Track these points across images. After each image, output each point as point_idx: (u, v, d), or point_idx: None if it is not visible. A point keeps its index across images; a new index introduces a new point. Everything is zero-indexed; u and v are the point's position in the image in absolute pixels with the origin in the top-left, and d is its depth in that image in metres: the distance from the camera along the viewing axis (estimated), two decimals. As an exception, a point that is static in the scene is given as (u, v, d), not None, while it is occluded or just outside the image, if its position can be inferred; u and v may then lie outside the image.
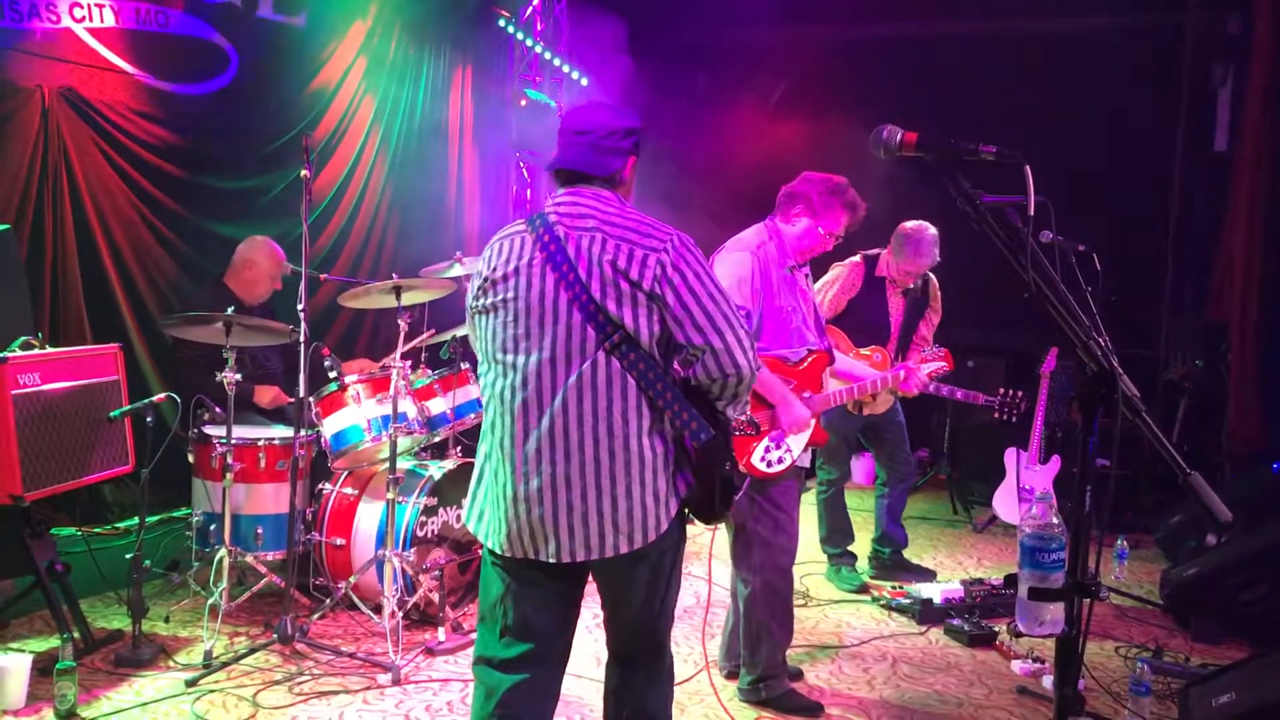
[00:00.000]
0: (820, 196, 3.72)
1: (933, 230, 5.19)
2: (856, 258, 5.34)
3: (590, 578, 2.64)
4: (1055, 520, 2.04)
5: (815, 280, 4.93)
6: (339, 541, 4.48)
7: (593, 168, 2.55)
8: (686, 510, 2.58)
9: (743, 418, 3.57)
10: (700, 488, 2.51)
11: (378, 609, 4.22)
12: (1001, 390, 4.93)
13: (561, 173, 2.59)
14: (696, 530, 6.33)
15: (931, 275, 5.43)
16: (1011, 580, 2.07)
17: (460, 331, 4.80)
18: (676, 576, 2.63)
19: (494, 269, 2.54)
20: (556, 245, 2.45)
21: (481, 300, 2.56)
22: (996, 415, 4.94)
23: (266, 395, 4.99)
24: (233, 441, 4.15)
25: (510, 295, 2.49)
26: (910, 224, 5.22)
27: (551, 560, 2.48)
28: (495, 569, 2.60)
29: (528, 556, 2.50)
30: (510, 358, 2.50)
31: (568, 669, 2.71)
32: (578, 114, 2.65)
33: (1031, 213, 2.02)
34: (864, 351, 5.12)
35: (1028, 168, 2.03)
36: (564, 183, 2.59)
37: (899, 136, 2.15)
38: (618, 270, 2.40)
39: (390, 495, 4.15)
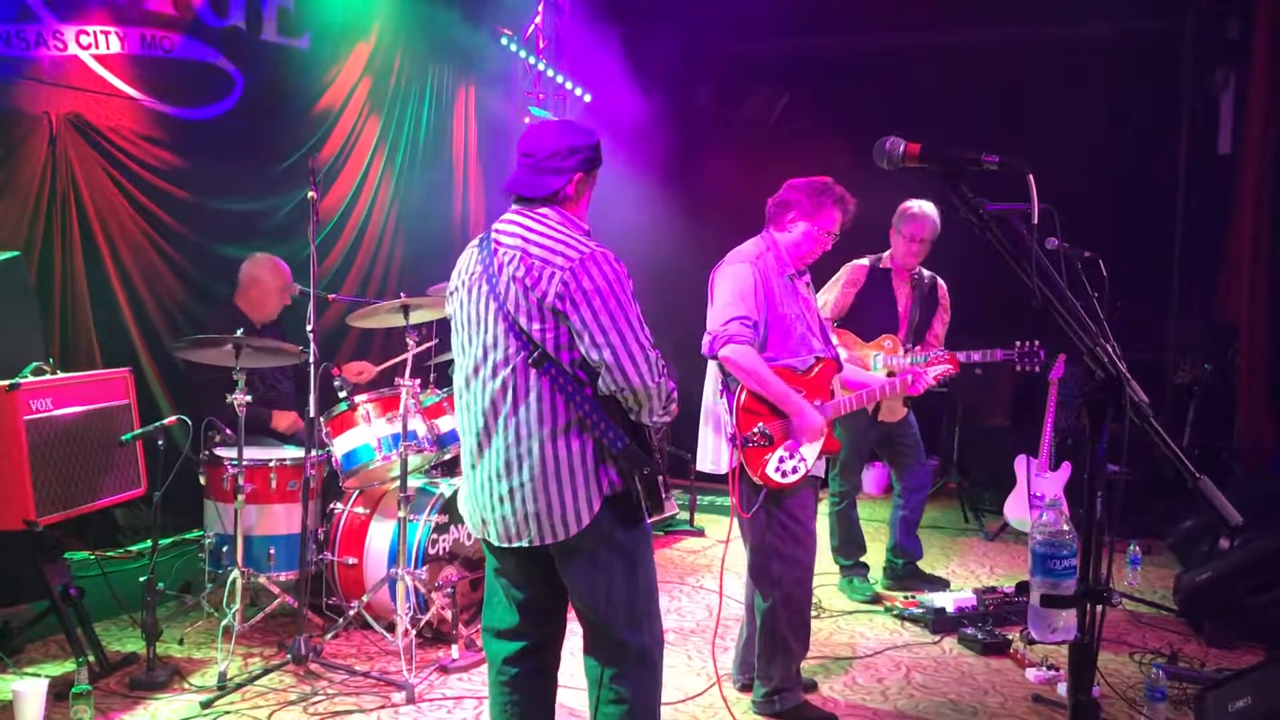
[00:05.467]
0: (810, 198, 3.77)
1: (932, 206, 5.20)
2: (862, 260, 5.35)
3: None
4: (1066, 527, 2.04)
5: (818, 288, 4.95)
6: (351, 561, 4.49)
7: (532, 189, 2.71)
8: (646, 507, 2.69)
9: (755, 430, 3.58)
10: (626, 488, 2.64)
11: (391, 627, 4.22)
12: (1019, 343, 4.90)
13: (512, 194, 2.77)
14: (707, 543, 6.42)
15: (939, 278, 5.45)
16: (1024, 588, 2.08)
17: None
18: (625, 575, 2.69)
19: (452, 281, 2.82)
20: (490, 261, 2.67)
21: (448, 309, 2.85)
22: (1018, 368, 4.91)
23: (284, 421, 5.01)
24: (244, 463, 4.17)
25: (457, 305, 2.77)
26: (911, 200, 5.28)
27: (495, 543, 2.71)
28: (485, 545, 2.83)
29: (485, 537, 2.75)
30: (461, 360, 2.77)
31: (573, 684, 2.71)
32: (527, 136, 2.79)
33: (1035, 221, 2.02)
34: (873, 343, 5.13)
35: (1030, 176, 2.03)
36: (514, 202, 2.76)
37: (901, 148, 2.17)
38: (526, 286, 2.59)
39: (401, 514, 4.16)
